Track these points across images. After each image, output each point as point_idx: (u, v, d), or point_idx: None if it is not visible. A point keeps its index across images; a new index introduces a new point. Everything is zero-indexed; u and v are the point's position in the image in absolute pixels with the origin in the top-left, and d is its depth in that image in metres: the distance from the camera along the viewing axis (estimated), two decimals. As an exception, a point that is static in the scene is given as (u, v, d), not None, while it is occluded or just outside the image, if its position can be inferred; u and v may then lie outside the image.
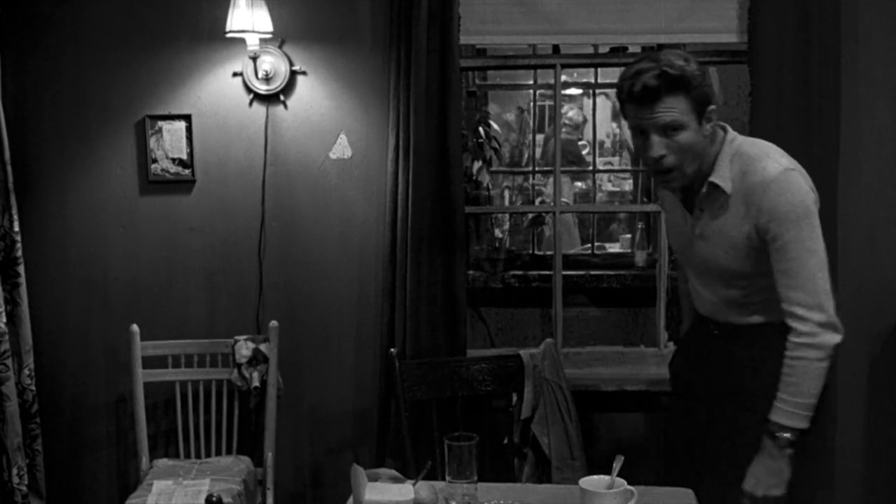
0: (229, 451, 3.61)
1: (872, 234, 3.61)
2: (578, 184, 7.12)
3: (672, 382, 2.93)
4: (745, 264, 2.49)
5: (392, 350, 3.26)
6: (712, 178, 2.48)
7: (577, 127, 7.09)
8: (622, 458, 2.29)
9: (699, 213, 2.54)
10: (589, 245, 6.42)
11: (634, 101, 2.40)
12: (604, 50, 4.99)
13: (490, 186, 6.09)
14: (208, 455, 3.62)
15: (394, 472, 2.38)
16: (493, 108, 6.70)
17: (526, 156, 6.96)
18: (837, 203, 3.45)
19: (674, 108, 2.37)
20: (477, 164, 5.71)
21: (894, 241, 3.63)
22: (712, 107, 2.42)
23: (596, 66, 5.94)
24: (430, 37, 3.47)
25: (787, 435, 2.40)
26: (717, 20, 3.63)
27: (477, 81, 6.10)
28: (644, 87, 2.37)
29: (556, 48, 4.75)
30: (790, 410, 2.40)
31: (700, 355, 2.72)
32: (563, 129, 6.83)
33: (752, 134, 3.48)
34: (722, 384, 2.62)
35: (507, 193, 6.81)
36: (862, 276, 3.59)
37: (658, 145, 2.40)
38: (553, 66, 3.86)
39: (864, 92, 3.54)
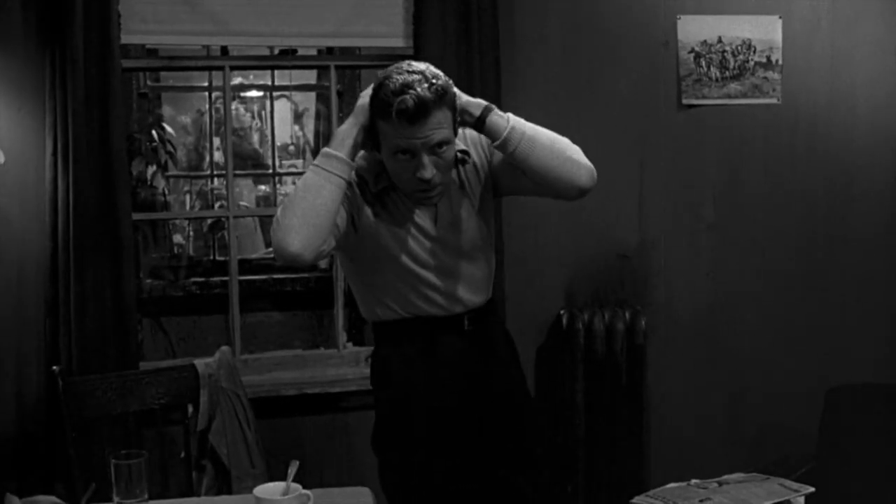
0: None
1: (535, 228, 3.83)
2: (262, 187, 7.05)
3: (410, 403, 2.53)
4: (490, 218, 2.54)
5: (55, 367, 3.07)
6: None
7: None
8: (297, 462, 2.28)
9: (445, 201, 2.43)
10: (271, 249, 6.37)
11: (405, 119, 2.17)
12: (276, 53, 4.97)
13: (167, 191, 5.90)
14: None
15: (53, 499, 2.24)
16: (167, 110, 6.49)
17: (207, 159, 6.80)
18: (502, 198, 3.62)
19: (443, 125, 2.22)
20: (151, 169, 5.51)
21: (555, 234, 3.87)
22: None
23: (266, 68, 5.92)
24: (87, 35, 3.29)
25: None
26: (384, 25, 3.70)
27: (149, 83, 5.89)
28: (419, 103, 2.16)
29: (225, 49, 4.68)
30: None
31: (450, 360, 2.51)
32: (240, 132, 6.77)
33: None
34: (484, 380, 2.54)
35: (187, 198, 6.63)
36: (527, 267, 3.81)
37: (430, 165, 2.23)
38: (222, 68, 3.79)
39: (522, 94, 3.75)
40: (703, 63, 3.91)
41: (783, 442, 3.96)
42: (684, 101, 3.92)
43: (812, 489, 3.41)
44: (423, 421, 2.48)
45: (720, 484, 3.60)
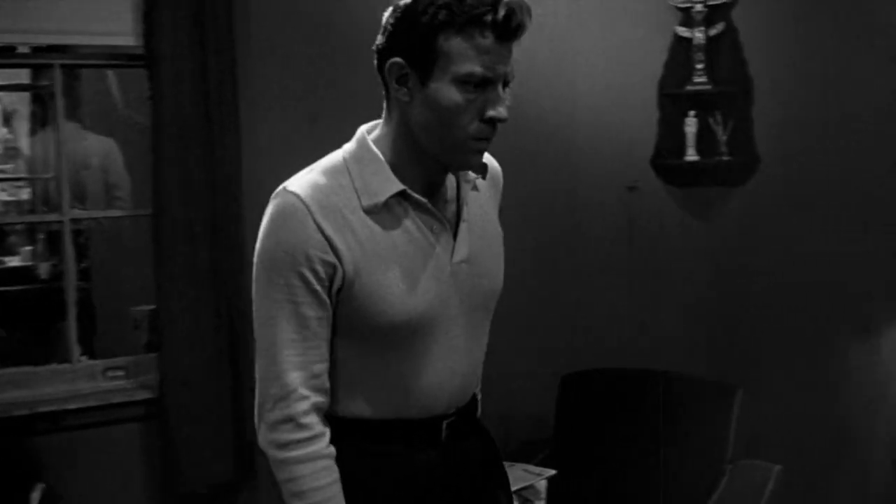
0: None
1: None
2: (-28, 195, 6.55)
3: None
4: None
5: None
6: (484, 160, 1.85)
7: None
8: (42, 485, 2.17)
9: (463, 227, 1.86)
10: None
11: (499, 32, 1.64)
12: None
13: None
14: None
15: None
16: None
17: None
18: (242, 207, 3.56)
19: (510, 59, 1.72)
20: None
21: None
22: None
23: (-21, 66, 5.52)
24: None
25: None
26: (112, 22, 3.54)
27: None
28: (523, 14, 1.66)
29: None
30: None
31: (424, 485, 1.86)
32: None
33: (155, 138, 3.48)
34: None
35: None
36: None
37: (504, 101, 1.73)
38: (-72, 66, 3.51)
39: (260, 96, 3.70)
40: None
41: (524, 429, 4.12)
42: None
43: (553, 472, 3.61)
44: None
45: (467, 474, 3.72)
